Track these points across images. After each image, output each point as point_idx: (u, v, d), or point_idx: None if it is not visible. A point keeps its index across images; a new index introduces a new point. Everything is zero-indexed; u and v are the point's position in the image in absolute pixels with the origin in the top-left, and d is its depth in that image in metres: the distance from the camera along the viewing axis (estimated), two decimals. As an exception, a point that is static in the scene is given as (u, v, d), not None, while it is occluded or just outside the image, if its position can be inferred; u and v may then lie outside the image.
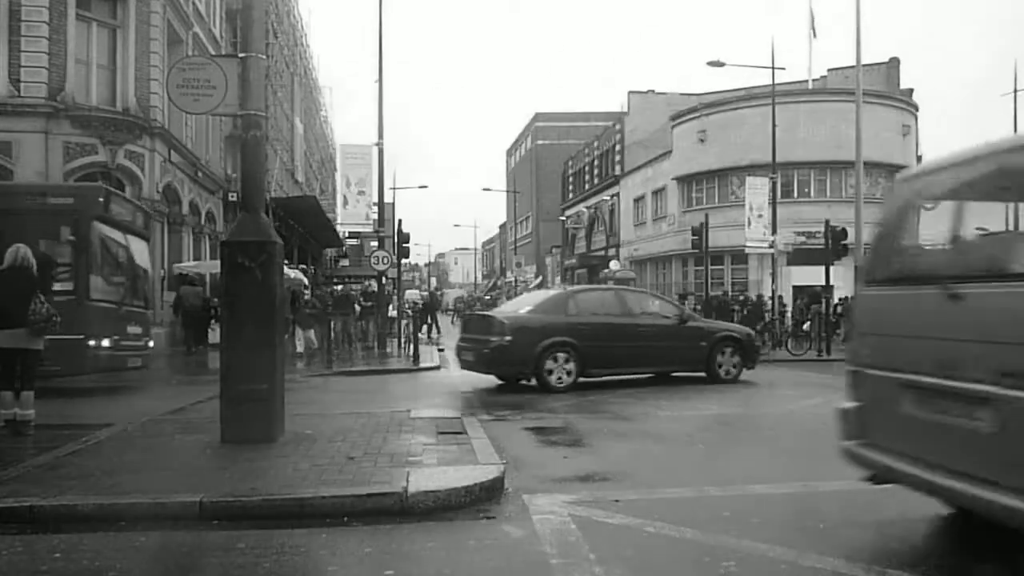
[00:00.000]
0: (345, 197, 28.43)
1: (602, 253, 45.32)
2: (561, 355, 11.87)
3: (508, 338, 11.86)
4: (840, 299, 23.98)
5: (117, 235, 12.27)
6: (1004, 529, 3.75)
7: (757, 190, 25.22)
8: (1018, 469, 3.50)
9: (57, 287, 10.47)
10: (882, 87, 35.05)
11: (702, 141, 33.69)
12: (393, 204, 37.12)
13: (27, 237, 9.74)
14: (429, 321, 29.64)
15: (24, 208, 11.14)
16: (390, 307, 24.97)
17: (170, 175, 19.57)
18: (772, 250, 24.49)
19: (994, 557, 4.21)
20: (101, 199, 11.65)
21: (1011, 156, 3.95)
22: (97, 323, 11.30)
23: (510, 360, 11.99)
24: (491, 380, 13.43)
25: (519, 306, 13.70)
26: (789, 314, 25.72)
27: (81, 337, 10.80)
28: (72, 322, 10.14)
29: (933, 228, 4.70)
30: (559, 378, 11.86)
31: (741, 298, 25.30)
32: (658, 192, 38.34)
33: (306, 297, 20.76)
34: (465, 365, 13.23)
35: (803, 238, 27.97)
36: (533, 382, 12.03)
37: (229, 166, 26.43)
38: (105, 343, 11.40)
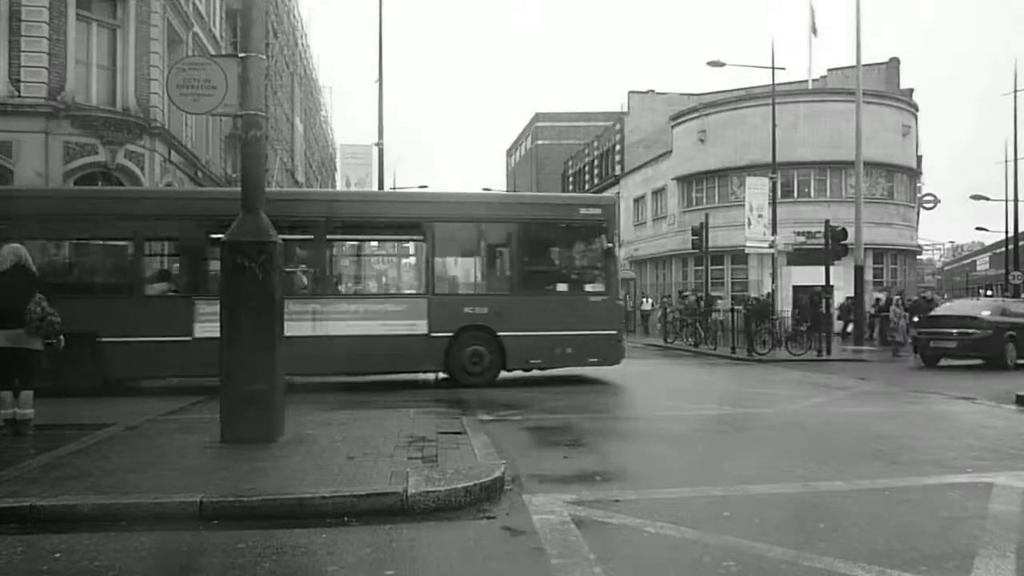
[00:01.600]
0: (345, 197, 28.38)
1: (602, 253, 45.27)
2: (1011, 344, 16.89)
3: (989, 332, 16.72)
4: (847, 298, 24.25)
5: None
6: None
7: (757, 190, 25.18)
8: None
9: (589, 288, 13.19)
10: (882, 87, 35.02)
11: (702, 141, 33.66)
12: (393, 204, 37.04)
13: (569, 245, 13.53)
14: None
15: (566, 220, 13.26)
16: None
17: (170, 175, 19.56)
18: (772, 250, 24.47)
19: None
20: (615, 208, 13.91)
21: None
22: (621, 320, 13.87)
23: (987, 347, 16.76)
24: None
25: (969, 310, 18.13)
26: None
27: (615, 332, 12.99)
28: (609, 319, 12.92)
29: None
30: (1010, 360, 16.75)
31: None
32: (658, 192, 38.30)
33: None
34: (936, 352, 17.40)
35: (803, 238, 27.96)
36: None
37: (229, 166, 26.41)
38: (624, 337, 13.70)
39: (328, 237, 12.24)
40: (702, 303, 25.41)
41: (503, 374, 12.81)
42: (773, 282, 25.34)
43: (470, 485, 5.39)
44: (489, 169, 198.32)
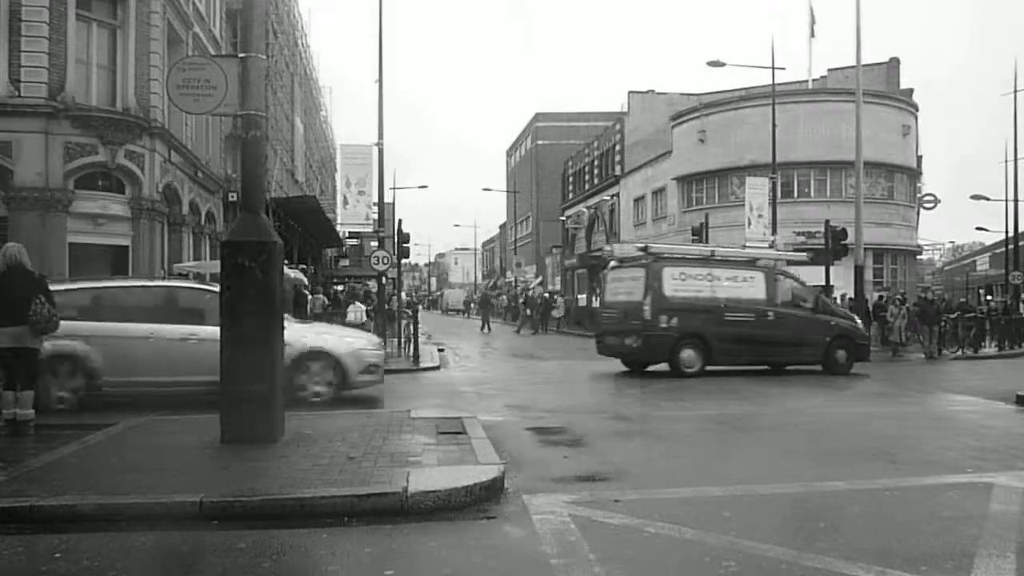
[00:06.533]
0: (345, 197, 28.24)
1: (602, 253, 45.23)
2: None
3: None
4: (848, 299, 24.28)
5: None
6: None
7: (757, 190, 25.18)
8: None
9: None
10: (882, 87, 34.99)
11: (702, 141, 33.65)
12: (393, 204, 37.03)
13: None
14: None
15: None
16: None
17: (170, 175, 19.52)
18: (772, 250, 24.49)
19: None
20: None
21: None
22: None
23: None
24: (490, 380, 13.37)
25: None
26: None
27: None
28: None
29: None
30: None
31: None
32: (658, 192, 38.30)
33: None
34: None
35: (803, 238, 27.93)
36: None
37: (229, 166, 26.37)
38: None
39: None
40: None
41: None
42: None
43: (470, 485, 5.39)
44: (489, 169, 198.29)
